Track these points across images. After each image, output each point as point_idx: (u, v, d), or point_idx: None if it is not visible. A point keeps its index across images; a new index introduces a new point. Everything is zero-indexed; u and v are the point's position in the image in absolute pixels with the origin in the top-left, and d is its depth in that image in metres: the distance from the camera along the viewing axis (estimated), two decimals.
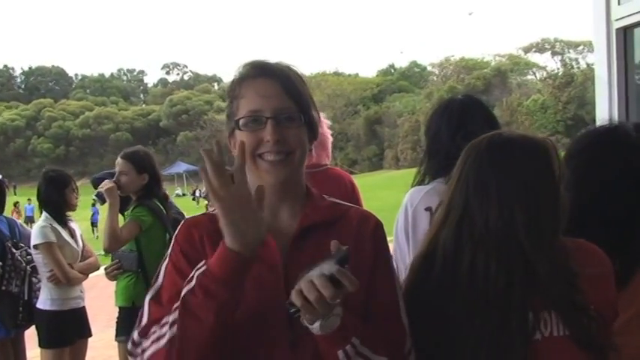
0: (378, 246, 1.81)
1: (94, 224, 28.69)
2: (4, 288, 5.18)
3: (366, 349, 1.62)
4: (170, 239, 1.92)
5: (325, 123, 3.98)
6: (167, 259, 1.78)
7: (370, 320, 1.71)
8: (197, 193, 44.07)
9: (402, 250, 2.89)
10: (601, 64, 3.66)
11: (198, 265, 1.58)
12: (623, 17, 3.54)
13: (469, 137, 2.85)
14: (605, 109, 3.62)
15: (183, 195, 54.27)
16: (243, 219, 1.51)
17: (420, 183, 2.94)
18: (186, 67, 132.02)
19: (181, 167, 66.28)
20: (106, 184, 4.83)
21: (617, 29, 3.59)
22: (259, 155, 1.73)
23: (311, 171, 4.21)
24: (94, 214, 28.51)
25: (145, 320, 1.70)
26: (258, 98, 1.73)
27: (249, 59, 1.82)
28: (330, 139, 4.11)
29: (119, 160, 4.98)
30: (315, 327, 1.54)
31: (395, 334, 1.73)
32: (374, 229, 1.82)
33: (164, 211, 5.03)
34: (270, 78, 1.75)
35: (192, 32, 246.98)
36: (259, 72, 1.77)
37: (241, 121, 1.73)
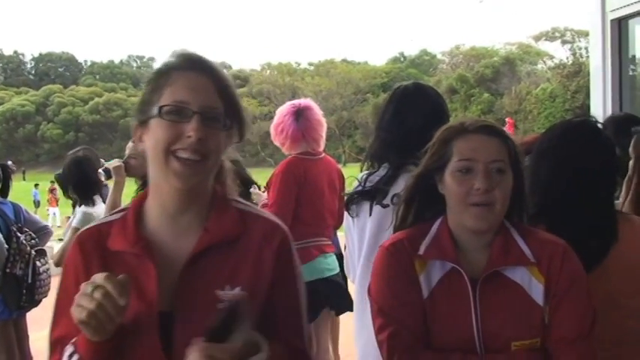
0: (281, 261, 1.72)
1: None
2: (8, 270, 5.27)
3: None
4: None
5: (317, 110, 4.35)
6: (62, 277, 1.75)
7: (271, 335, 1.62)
8: None
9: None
10: (595, 54, 3.67)
11: (73, 348, 1.58)
12: (618, 8, 3.55)
13: (394, 125, 2.91)
14: (599, 100, 3.62)
15: None
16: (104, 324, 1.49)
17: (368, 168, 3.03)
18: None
19: None
20: (115, 162, 4.95)
21: (612, 20, 3.60)
22: (173, 152, 1.60)
23: (307, 158, 4.31)
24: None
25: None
26: (187, 90, 1.62)
27: (181, 48, 1.72)
28: (324, 125, 4.35)
29: (130, 144, 5.11)
30: None
31: (295, 346, 1.72)
32: (278, 246, 1.73)
33: None
34: (203, 73, 1.66)
35: (200, 18, 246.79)
36: (192, 65, 1.67)
37: (164, 109, 1.61)
